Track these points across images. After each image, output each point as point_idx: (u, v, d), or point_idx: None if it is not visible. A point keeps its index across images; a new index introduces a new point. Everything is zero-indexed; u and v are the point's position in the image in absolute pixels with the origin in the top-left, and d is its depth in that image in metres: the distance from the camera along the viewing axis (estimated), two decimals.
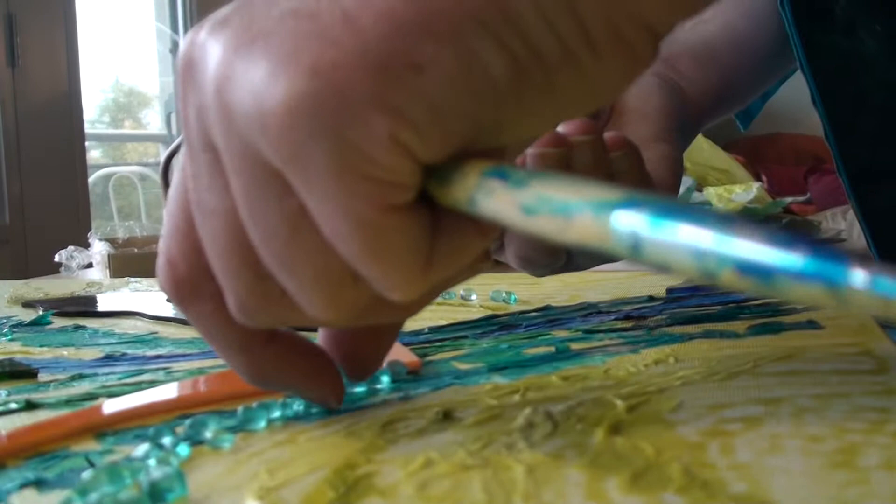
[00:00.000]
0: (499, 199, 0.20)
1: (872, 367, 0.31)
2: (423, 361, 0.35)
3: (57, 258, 1.08)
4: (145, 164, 2.99)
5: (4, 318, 0.53)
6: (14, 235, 2.02)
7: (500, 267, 0.41)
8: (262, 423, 0.27)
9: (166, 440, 0.25)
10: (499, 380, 0.32)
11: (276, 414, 0.28)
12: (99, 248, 1.05)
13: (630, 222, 0.17)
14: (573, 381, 0.31)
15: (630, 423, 0.25)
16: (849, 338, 0.36)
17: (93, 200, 2.40)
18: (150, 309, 0.53)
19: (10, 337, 0.46)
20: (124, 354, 0.40)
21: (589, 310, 0.46)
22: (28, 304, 0.58)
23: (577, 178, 0.19)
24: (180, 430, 0.26)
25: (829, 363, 0.31)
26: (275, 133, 0.20)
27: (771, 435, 0.24)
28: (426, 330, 0.42)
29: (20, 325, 0.50)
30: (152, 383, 0.33)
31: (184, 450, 0.24)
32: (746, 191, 1.53)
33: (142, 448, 0.24)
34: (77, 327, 0.49)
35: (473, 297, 0.53)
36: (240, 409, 0.27)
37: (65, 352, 0.42)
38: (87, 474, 0.22)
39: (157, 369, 0.37)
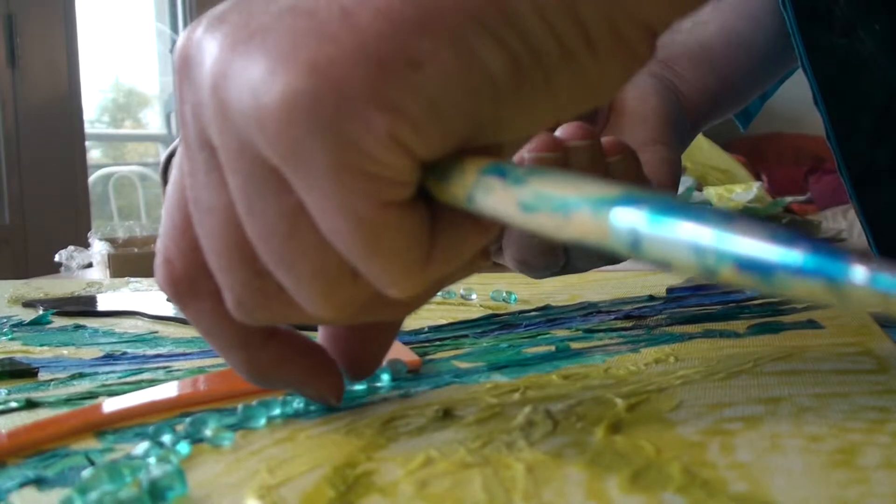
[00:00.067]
0: (497, 196, 0.20)
1: (872, 366, 0.31)
2: (424, 360, 0.35)
3: (57, 258, 1.08)
4: (145, 164, 2.99)
5: (5, 317, 0.53)
6: (14, 235, 2.03)
7: (500, 267, 0.41)
8: (262, 421, 0.27)
9: (166, 438, 0.25)
10: (499, 378, 0.32)
11: (276, 412, 0.28)
12: (99, 248, 1.04)
13: (629, 219, 0.17)
14: (573, 380, 0.31)
15: (630, 422, 0.25)
16: (849, 337, 0.36)
17: (93, 200, 2.40)
18: (150, 308, 0.53)
19: (10, 336, 0.46)
20: (124, 353, 0.40)
21: (589, 309, 0.46)
22: (28, 304, 0.58)
23: (575, 175, 0.19)
24: (180, 428, 0.26)
25: (829, 363, 0.31)
26: (272, 130, 0.20)
27: (771, 434, 0.24)
28: (426, 329, 0.42)
29: (20, 324, 0.50)
30: (152, 382, 0.33)
31: (184, 448, 0.24)
32: (746, 190, 1.53)
33: (142, 446, 0.24)
34: (77, 327, 0.49)
35: (473, 296, 0.53)
36: (240, 407, 0.27)
37: (65, 351, 0.42)
38: (87, 473, 0.22)
39: (157, 368, 0.36)
